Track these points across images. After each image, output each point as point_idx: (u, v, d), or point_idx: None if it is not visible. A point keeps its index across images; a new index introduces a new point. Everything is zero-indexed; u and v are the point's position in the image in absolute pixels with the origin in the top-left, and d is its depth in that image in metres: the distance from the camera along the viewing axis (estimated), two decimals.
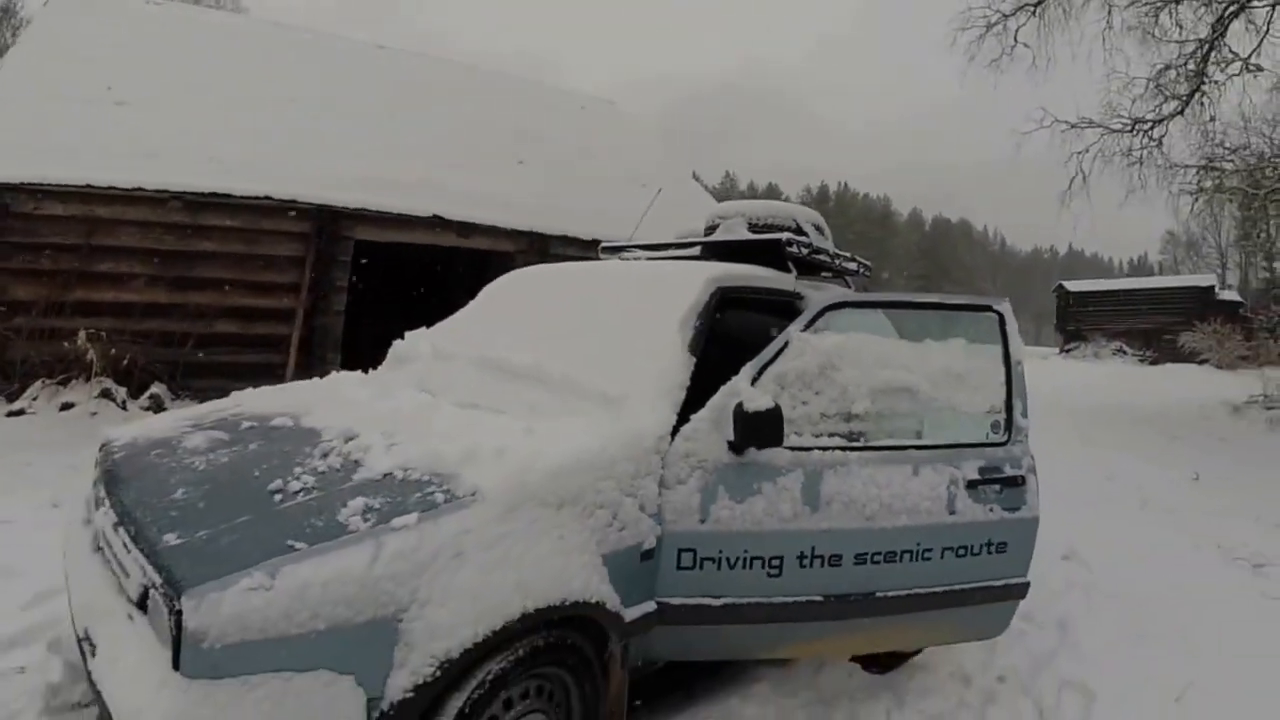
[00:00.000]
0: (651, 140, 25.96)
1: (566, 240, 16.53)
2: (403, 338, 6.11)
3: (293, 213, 13.98)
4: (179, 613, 2.71)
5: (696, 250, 6.61)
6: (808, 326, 4.57)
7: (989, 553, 4.76)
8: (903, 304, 5.43)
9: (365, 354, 9.95)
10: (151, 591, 2.99)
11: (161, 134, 13.93)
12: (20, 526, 7.15)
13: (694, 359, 4.56)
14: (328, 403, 4.87)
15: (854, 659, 5.36)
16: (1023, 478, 4.89)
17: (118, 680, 2.95)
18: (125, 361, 12.19)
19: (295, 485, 3.52)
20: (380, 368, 6.08)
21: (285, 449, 4.08)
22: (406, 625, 3.05)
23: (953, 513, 4.62)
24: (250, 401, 5.23)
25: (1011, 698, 5.14)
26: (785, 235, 5.73)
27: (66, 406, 11.71)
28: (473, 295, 6.98)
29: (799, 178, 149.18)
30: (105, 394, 11.97)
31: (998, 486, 4.79)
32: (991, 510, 4.75)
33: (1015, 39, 23.21)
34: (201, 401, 5.81)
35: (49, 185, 12.14)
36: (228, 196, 13.27)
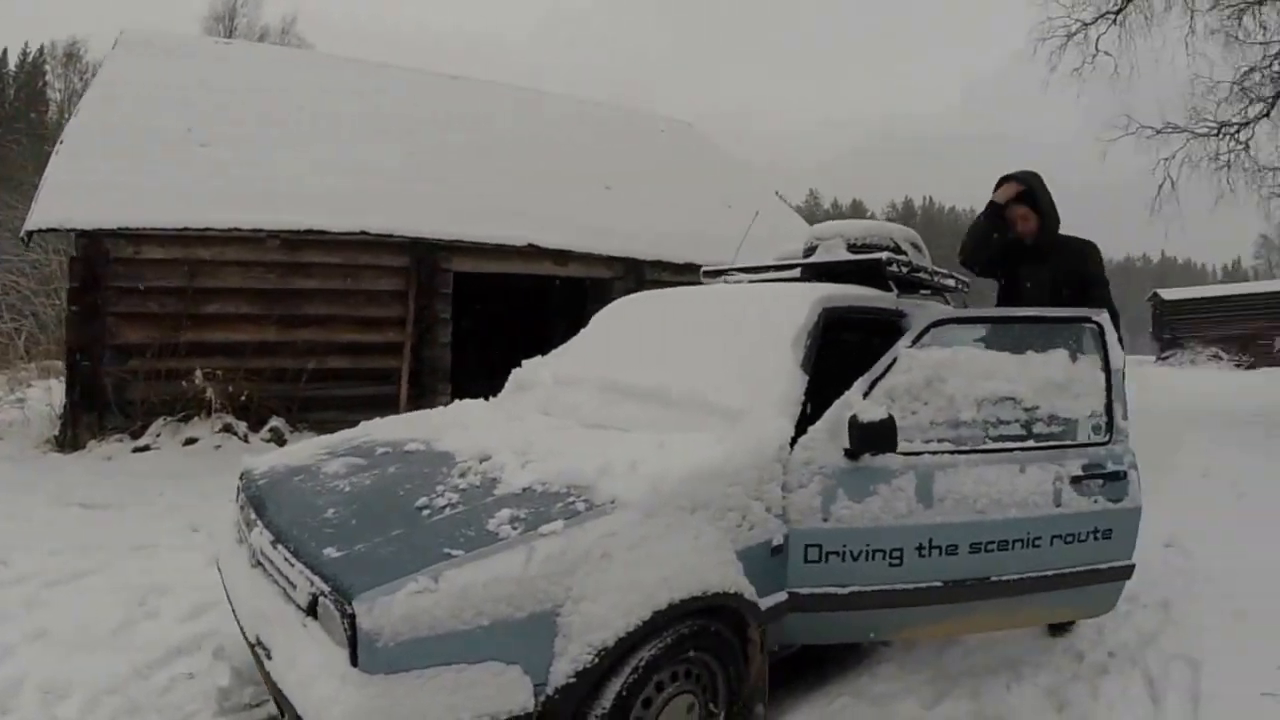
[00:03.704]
0: (733, 162, 26.01)
1: (661, 265, 16.65)
2: (520, 365, 6.37)
3: (390, 247, 14.21)
4: (352, 616, 3.00)
5: (797, 272, 6.80)
6: (914, 343, 4.89)
7: (1095, 539, 5.12)
8: (1003, 319, 5.62)
9: (472, 383, 10.18)
10: (321, 599, 3.28)
11: (249, 173, 14.22)
12: (165, 549, 7.64)
13: (806, 376, 4.87)
14: (456, 428, 5.19)
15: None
16: (1125, 473, 5.23)
17: (299, 679, 3.22)
18: (243, 398, 12.54)
19: (440, 501, 3.82)
20: (501, 394, 6.37)
21: (423, 470, 4.39)
22: (564, 619, 3.36)
23: (1059, 505, 4.97)
24: (379, 430, 5.57)
25: (1122, 669, 5.34)
26: (885, 255, 5.99)
27: (190, 441, 12.09)
28: (572, 322, 7.26)
29: (884, 193, 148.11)
30: (227, 429, 12.36)
31: (1101, 481, 5.13)
32: (1096, 502, 5.10)
33: (1096, 47, 22.77)
34: (320, 433, 6.09)
35: (147, 229, 12.44)
36: (324, 233, 13.49)
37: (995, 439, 4.97)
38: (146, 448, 12.00)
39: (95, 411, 12.34)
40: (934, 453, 4.73)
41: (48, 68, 66.97)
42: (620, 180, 19.67)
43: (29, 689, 4.91)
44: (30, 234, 12.27)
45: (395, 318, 14.44)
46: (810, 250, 7.02)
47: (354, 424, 5.89)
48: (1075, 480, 5.07)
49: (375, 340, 14.32)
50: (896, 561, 4.62)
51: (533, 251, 15.23)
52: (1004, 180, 6.69)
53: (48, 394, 16.05)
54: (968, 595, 4.83)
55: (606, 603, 3.43)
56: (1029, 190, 6.51)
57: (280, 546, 3.83)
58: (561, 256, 15.69)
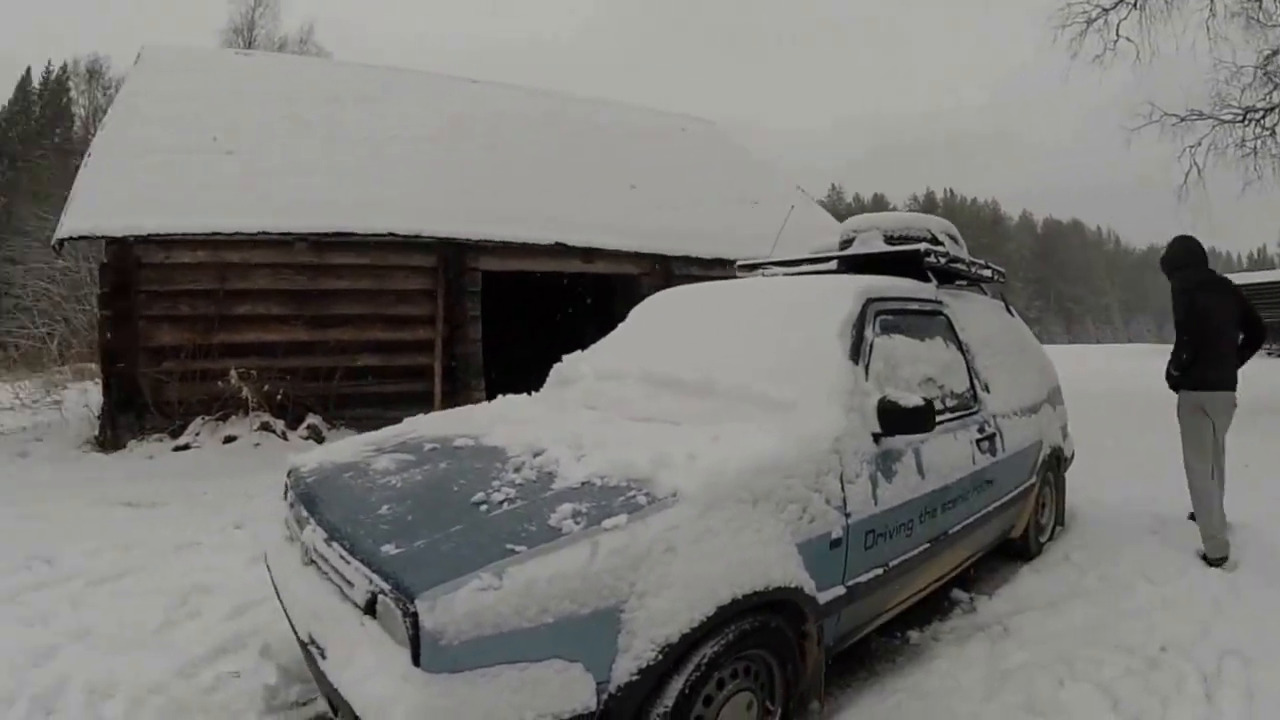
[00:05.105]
0: (756, 159, 25.87)
1: (688, 260, 16.57)
2: (559, 360, 6.31)
3: (417, 247, 14.27)
4: (414, 615, 2.89)
5: (834, 264, 6.79)
6: (874, 328, 5.38)
7: (986, 487, 6.07)
8: (905, 311, 5.88)
9: (505, 379, 10.13)
10: (381, 598, 3.17)
11: (275, 178, 14.43)
12: (207, 548, 7.62)
13: (855, 366, 4.92)
14: (503, 423, 5.08)
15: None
16: (995, 433, 6.27)
17: (356, 678, 3.12)
18: (279, 396, 12.61)
19: (497, 496, 3.68)
20: (543, 389, 6.28)
21: (475, 466, 4.28)
22: (628, 615, 3.25)
23: (974, 463, 5.82)
24: (425, 426, 5.45)
25: (1175, 664, 5.24)
26: (923, 246, 6.13)
27: (229, 439, 12.22)
28: (601, 318, 7.18)
29: (905, 188, 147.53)
30: (265, 427, 12.47)
31: (988, 440, 6.13)
32: (988, 457, 6.06)
33: (1117, 33, 22.31)
34: (357, 429, 6.02)
35: (176, 235, 12.61)
36: (351, 235, 13.58)
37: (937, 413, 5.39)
38: (186, 446, 12.15)
39: (134, 412, 12.56)
40: None
41: (71, 85, 69.12)
42: (645, 178, 19.63)
43: (74, 688, 4.86)
44: (61, 242, 12.43)
45: (425, 316, 14.54)
46: (847, 243, 7.08)
47: (389, 420, 5.85)
48: (978, 442, 5.94)
49: (406, 338, 14.40)
50: (909, 532, 5.00)
51: (560, 250, 15.23)
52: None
53: (84, 396, 16.37)
54: (937, 550, 5.40)
55: (670, 598, 3.34)
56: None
57: (334, 544, 3.72)
58: (589, 254, 15.67)
